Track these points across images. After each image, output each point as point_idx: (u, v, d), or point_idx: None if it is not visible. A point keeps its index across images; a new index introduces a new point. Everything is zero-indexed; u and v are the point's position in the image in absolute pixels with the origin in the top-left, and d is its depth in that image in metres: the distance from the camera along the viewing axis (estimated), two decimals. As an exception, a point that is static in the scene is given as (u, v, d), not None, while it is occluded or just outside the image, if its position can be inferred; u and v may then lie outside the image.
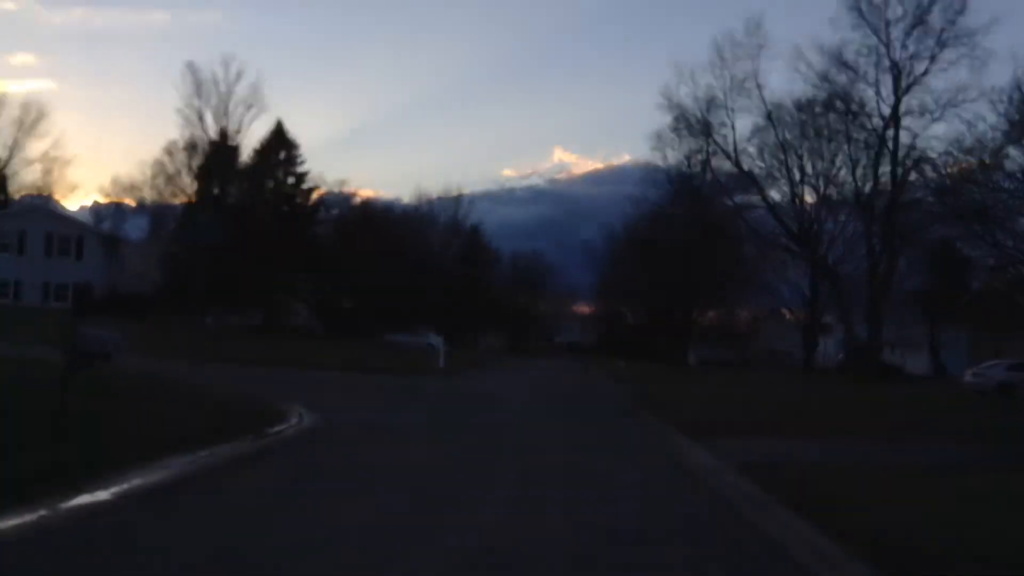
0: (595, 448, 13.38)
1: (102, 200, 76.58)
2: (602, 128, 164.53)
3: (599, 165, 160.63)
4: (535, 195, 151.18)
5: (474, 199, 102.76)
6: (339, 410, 16.64)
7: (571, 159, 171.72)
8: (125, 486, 7.61)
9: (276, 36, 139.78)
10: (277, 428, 13.32)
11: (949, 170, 40.36)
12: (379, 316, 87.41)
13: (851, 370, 54.07)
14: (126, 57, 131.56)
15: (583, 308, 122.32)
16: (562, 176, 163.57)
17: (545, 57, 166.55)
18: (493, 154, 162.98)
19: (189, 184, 58.86)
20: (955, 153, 38.09)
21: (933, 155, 42.12)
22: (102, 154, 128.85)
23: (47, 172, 62.17)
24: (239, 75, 52.89)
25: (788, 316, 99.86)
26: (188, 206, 61.16)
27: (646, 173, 55.46)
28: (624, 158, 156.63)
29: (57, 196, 69.09)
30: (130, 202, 75.03)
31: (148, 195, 70.59)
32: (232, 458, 9.95)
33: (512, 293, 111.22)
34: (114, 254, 61.84)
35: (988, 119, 34.37)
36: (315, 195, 71.17)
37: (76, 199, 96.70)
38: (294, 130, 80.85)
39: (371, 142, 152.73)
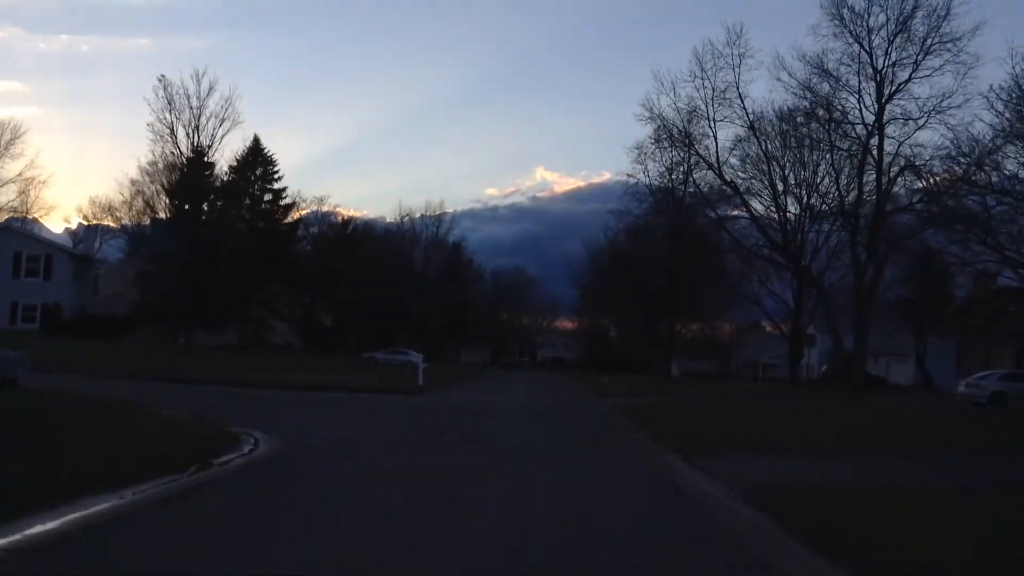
0: (587, 473, 12.18)
1: (84, 222, 75.43)
2: (583, 147, 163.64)
3: (580, 183, 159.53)
4: (517, 213, 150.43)
5: (456, 217, 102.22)
6: (302, 434, 15.35)
7: (553, 177, 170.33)
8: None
9: (258, 58, 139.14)
10: (225, 458, 12.02)
11: (938, 176, 39.74)
12: (360, 333, 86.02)
13: (837, 381, 53.30)
14: (110, 81, 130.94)
15: (566, 323, 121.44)
16: (544, 194, 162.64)
17: (526, 77, 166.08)
18: (475, 173, 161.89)
19: (165, 203, 57.39)
20: (948, 155, 37.34)
21: (919, 163, 41.31)
22: (85, 176, 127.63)
23: (23, 193, 60.66)
24: (211, 88, 51.45)
25: (769, 328, 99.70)
26: (161, 222, 59.56)
27: (627, 187, 54.30)
28: (605, 176, 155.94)
29: (37, 217, 67.82)
30: (110, 223, 73.79)
31: (126, 216, 69.47)
32: (149, 500, 8.51)
33: (494, 309, 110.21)
34: (85, 274, 60.18)
35: (984, 118, 33.57)
36: (294, 213, 69.98)
37: (59, 222, 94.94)
38: (274, 149, 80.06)
39: (352, 162, 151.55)
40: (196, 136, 52.12)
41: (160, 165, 55.37)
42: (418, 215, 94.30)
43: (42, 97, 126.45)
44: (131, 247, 66.73)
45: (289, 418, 18.68)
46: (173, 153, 52.91)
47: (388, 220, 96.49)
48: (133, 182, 61.85)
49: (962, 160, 35.66)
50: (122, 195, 67.15)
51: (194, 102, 51.29)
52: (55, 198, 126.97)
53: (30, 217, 66.14)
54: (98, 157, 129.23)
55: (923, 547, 7.02)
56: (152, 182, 58.32)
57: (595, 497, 9.89)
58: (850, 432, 18.93)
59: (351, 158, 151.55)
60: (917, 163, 41.51)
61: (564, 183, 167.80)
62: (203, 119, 51.69)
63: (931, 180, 41.30)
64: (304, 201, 72.58)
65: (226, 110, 51.73)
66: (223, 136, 52.82)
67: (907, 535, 7.52)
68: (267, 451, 13.06)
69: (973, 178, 34.82)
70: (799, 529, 7.96)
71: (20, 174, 59.68)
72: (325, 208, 79.14)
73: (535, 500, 9.59)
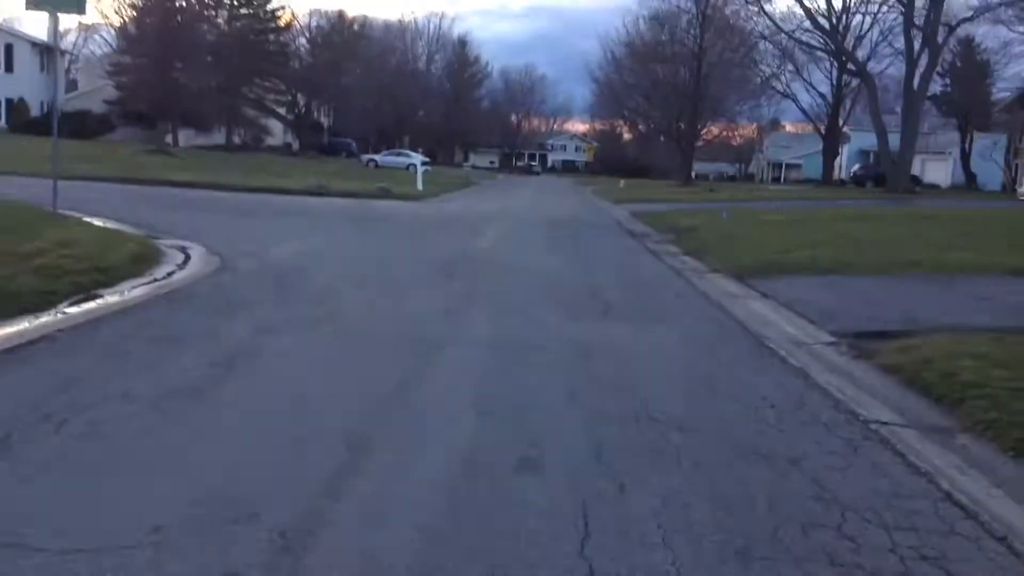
0: (623, 316, 8.80)
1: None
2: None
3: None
4: (531, 10, 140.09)
5: (463, 15, 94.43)
6: (254, 250, 11.89)
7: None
8: None
9: None
10: (125, 286, 8.67)
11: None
12: (360, 135, 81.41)
13: (869, 182, 49.47)
14: None
15: (578, 125, 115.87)
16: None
17: None
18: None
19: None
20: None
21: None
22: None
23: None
24: None
25: (790, 128, 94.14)
26: (139, 11, 53.67)
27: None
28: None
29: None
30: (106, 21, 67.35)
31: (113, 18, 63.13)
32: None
33: (503, 111, 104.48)
34: (55, 68, 54.97)
35: None
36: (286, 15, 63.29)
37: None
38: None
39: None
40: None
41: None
42: (421, 14, 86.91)
43: None
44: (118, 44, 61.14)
45: (248, 229, 15.24)
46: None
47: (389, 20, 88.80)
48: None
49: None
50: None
51: None
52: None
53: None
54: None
55: None
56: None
57: (639, 365, 6.53)
58: (929, 243, 15.41)
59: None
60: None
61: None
62: None
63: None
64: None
65: None
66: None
67: None
68: (191, 275, 9.67)
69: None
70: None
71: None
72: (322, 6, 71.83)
73: (556, 360, 6.27)
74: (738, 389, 5.71)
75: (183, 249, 11.69)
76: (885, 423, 5.10)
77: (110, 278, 8.87)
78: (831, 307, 9.28)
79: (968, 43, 55.28)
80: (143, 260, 10.18)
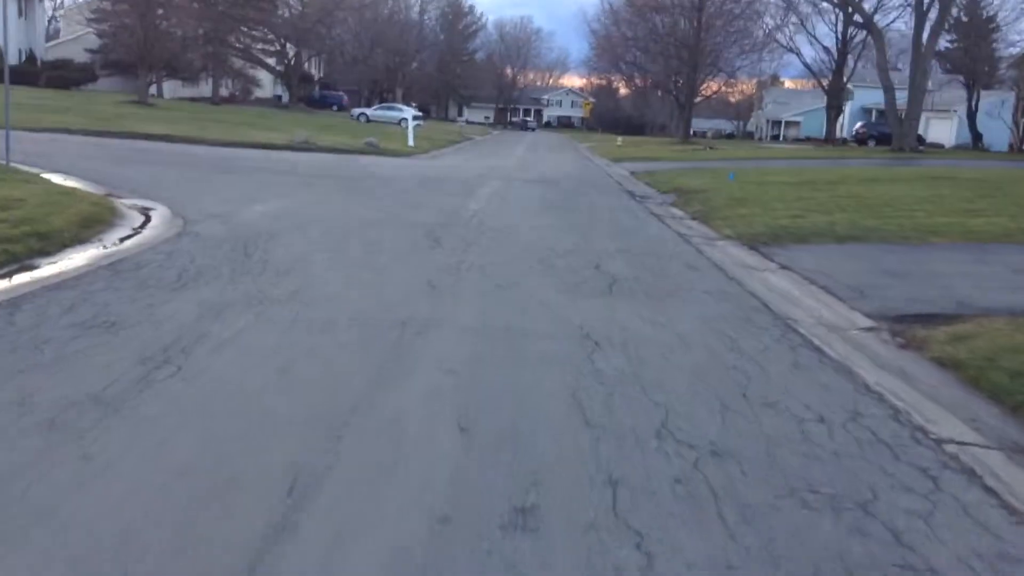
0: (628, 294, 7.84)
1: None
2: None
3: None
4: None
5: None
6: (221, 211, 10.83)
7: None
8: None
9: None
10: (68, 255, 7.65)
11: None
12: (353, 86, 79.46)
13: (871, 140, 48.24)
14: None
15: (575, 80, 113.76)
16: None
17: None
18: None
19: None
20: None
21: None
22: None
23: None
24: None
25: (789, 83, 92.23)
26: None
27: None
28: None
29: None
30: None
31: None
32: None
33: (499, 64, 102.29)
34: (35, 14, 53.10)
35: None
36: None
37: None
38: None
39: None
40: None
41: None
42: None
43: None
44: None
45: (221, 187, 14.13)
46: None
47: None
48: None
49: None
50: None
51: None
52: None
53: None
54: None
55: None
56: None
57: (654, 360, 5.56)
58: (950, 207, 14.42)
59: None
60: None
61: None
62: None
63: None
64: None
65: None
66: None
67: None
68: (145, 241, 8.64)
69: None
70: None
71: None
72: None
73: (551, 352, 5.30)
74: (774, 393, 4.75)
75: (144, 210, 10.66)
76: (962, 443, 4.16)
77: (50, 245, 7.87)
78: (859, 281, 8.33)
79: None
80: (95, 223, 9.14)
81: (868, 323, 6.81)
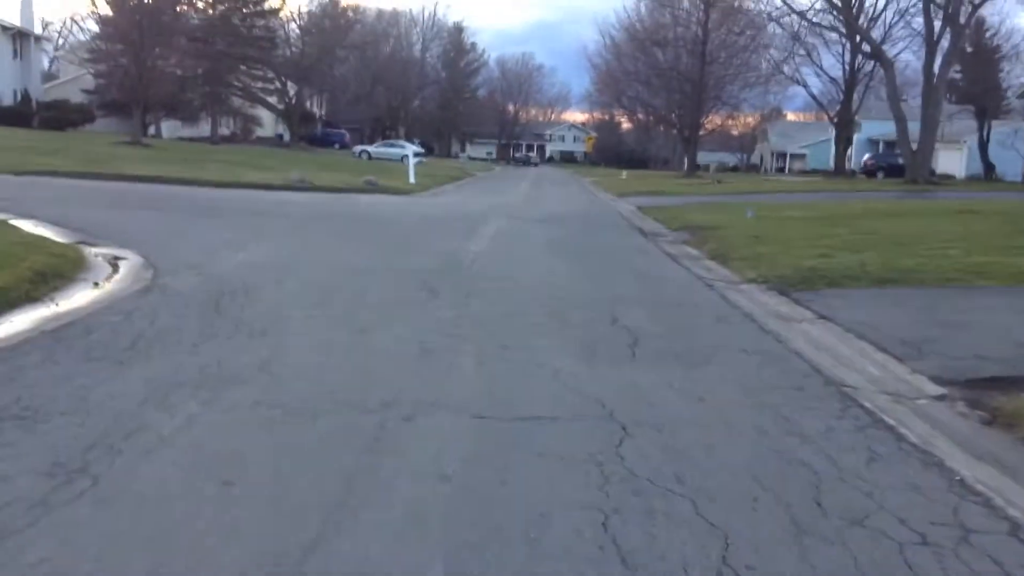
0: (657, 352, 6.86)
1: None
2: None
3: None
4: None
5: (458, 2, 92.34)
6: (200, 260, 9.88)
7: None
8: None
9: None
10: (16, 314, 6.70)
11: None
12: (355, 124, 79.20)
13: (892, 173, 47.36)
14: None
15: (576, 115, 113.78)
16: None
17: None
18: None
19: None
20: None
21: None
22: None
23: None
24: None
25: (792, 116, 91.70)
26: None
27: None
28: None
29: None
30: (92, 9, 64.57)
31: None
32: None
33: (500, 100, 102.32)
34: (32, 55, 52.75)
35: None
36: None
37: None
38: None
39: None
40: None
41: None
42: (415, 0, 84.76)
43: None
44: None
45: (204, 232, 13.20)
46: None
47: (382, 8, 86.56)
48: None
49: None
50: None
51: None
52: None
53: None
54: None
55: None
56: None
57: (698, 455, 4.56)
58: (986, 244, 13.43)
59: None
60: None
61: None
62: None
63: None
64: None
65: None
66: None
67: None
68: (105, 297, 7.68)
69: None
70: None
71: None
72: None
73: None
74: (856, 501, 3.72)
75: (114, 260, 9.72)
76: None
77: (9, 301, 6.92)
78: (912, 334, 7.31)
79: (979, 26, 53.27)
80: (53, 277, 8.19)
81: (936, 389, 5.79)
